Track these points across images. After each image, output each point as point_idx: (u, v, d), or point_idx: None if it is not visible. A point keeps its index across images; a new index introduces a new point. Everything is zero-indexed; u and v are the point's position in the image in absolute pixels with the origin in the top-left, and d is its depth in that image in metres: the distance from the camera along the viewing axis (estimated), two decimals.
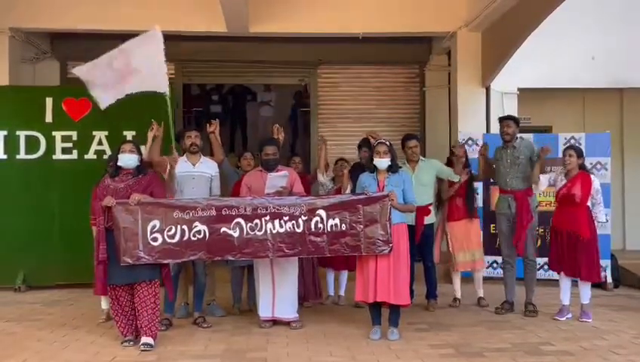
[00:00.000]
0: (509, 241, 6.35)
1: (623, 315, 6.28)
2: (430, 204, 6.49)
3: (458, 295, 6.74)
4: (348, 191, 6.10)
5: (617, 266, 8.03)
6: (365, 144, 6.68)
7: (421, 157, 6.57)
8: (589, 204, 5.97)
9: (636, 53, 9.24)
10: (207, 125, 6.50)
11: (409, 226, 5.78)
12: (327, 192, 6.75)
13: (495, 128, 8.63)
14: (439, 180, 6.65)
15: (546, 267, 7.12)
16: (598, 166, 7.75)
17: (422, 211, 6.28)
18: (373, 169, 5.46)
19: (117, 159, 5.21)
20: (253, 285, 6.27)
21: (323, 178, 6.94)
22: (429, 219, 6.46)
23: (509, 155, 6.34)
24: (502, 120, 6.51)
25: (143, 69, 5.41)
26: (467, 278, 6.89)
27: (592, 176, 6.05)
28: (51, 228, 7.78)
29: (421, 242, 6.36)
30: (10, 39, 8.37)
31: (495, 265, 7.84)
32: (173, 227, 5.16)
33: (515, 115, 7.50)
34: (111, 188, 5.15)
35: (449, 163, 6.78)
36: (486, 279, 7.39)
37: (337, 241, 5.29)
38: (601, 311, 6.40)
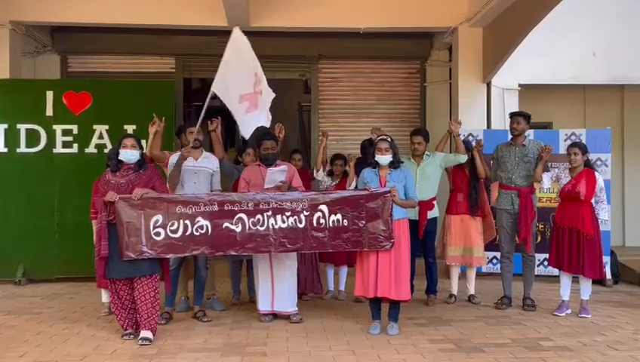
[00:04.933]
0: (510, 237, 6.37)
1: (622, 311, 6.30)
2: (434, 199, 6.49)
3: (454, 291, 6.72)
4: (354, 185, 6.07)
5: (617, 262, 8.04)
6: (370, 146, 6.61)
7: (426, 153, 6.56)
8: (592, 201, 5.96)
9: (637, 50, 9.22)
10: (209, 123, 6.48)
11: (412, 221, 5.79)
12: (325, 189, 6.70)
13: (496, 124, 8.66)
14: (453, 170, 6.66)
15: (545, 263, 7.13)
16: (599, 162, 7.74)
17: (425, 206, 6.30)
18: (375, 165, 5.47)
19: (118, 154, 5.21)
20: (252, 277, 6.29)
21: (319, 175, 6.91)
22: (432, 213, 6.47)
23: (518, 153, 6.33)
24: (512, 115, 6.51)
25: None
26: (464, 273, 6.89)
27: (596, 174, 6.01)
28: (51, 222, 7.78)
29: (423, 237, 6.38)
30: (10, 32, 8.33)
31: (495, 260, 7.83)
32: (176, 222, 5.17)
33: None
34: (112, 183, 5.14)
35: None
36: (486, 274, 7.41)
37: (339, 237, 5.31)
38: (601, 307, 6.43)
